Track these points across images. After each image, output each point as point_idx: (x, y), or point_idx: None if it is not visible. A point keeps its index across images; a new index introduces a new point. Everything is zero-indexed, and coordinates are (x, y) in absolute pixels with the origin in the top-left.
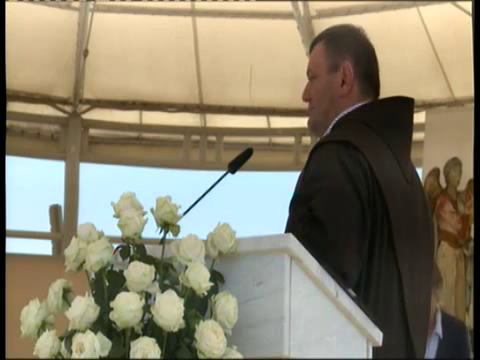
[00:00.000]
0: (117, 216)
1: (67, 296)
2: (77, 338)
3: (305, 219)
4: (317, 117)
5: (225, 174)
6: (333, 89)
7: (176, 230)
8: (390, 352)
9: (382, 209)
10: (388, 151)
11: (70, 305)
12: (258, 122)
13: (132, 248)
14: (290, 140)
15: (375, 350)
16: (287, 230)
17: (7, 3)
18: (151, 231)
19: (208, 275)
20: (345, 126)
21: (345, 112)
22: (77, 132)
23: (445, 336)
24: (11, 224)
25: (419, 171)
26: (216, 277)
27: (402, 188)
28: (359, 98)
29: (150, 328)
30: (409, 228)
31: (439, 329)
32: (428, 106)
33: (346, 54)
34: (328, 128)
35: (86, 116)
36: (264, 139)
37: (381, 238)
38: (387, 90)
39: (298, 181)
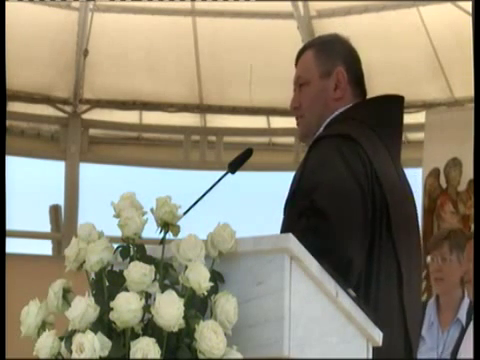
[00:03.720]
0: (117, 216)
1: (67, 296)
2: (77, 338)
3: (308, 211)
4: (308, 125)
5: (225, 174)
6: (326, 93)
7: (176, 230)
8: (391, 350)
9: (381, 202)
10: (383, 146)
11: (70, 305)
12: (258, 122)
13: (132, 248)
14: (290, 140)
15: (376, 349)
16: (286, 227)
17: (7, 3)
18: (151, 231)
19: (208, 275)
20: (339, 123)
21: (337, 112)
22: (77, 132)
23: (468, 325)
24: (11, 224)
25: (419, 171)
26: (216, 277)
27: (397, 183)
28: (351, 101)
29: (150, 328)
30: (405, 223)
31: (463, 316)
32: (428, 106)
33: (338, 60)
34: (320, 129)
35: (86, 116)
36: (264, 139)
37: (380, 230)
38: (387, 90)
39: (294, 178)
